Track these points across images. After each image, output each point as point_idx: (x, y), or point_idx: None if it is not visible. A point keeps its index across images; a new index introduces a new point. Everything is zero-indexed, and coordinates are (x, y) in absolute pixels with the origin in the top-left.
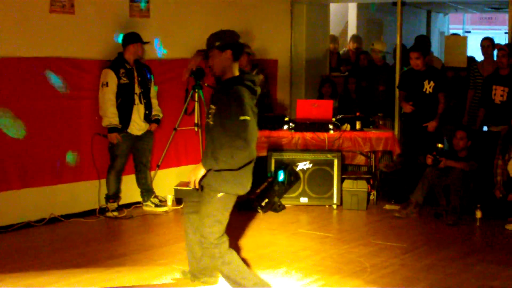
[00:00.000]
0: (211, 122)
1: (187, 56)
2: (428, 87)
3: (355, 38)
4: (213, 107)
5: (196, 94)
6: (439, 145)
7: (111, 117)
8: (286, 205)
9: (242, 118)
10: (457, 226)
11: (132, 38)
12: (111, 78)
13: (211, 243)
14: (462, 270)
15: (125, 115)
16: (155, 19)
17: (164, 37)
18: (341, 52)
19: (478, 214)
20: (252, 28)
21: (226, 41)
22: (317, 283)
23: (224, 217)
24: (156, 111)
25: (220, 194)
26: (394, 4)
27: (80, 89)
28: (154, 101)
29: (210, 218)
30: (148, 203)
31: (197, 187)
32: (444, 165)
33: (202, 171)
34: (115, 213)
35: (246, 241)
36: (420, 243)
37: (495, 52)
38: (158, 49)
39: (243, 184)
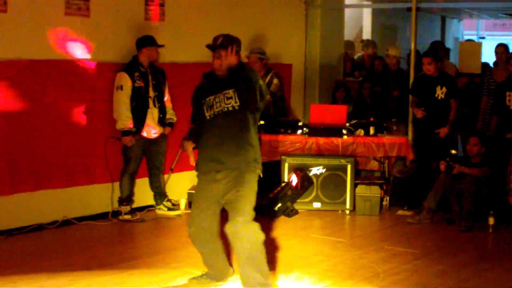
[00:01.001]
0: (230, 108)
1: (201, 60)
2: (440, 92)
3: (370, 43)
4: (228, 91)
5: None
6: (453, 151)
7: (125, 120)
8: (299, 210)
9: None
10: (470, 233)
11: (147, 41)
12: (125, 81)
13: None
14: (475, 277)
15: (139, 118)
16: (170, 22)
17: (178, 41)
18: (355, 57)
19: (491, 220)
20: (266, 32)
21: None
22: None
23: None
24: (170, 114)
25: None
26: (409, 10)
27: (94, 92)
28: (169, 105)
29: (252, 195)
30: (161, 206)
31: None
32: (457, 171)
33: None
34: (128, 216)
35: None
36: (432, 249)
37: None
38: None
39: None
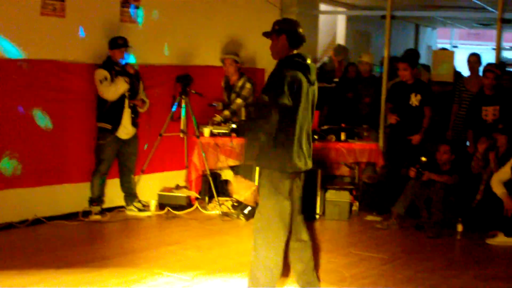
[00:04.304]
0: None
1: (175, 63)
2: (414, 100)
3: (342, 48)
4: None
5: (183, 101)
6: (423, 158)
7: (120, 85)
8: None
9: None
10: (438, 239)
11: (115, 44)
12: (107, 74)
13: None
14: (442, 283)
15: (115, 118)
16: (145, 24)
17: (152, 43)
18: (326, 61)
19: (459, 227)
20: (240, 37)
21: (282, 26)
22: None
23: None
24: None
25: None
26: (383, 17)
27: (67, 92)
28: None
29: None
30: (131, 207)
31: None
32: (426, 178)
33: None
34: (98, 217)
35: (228, 248)
36: (400, 255)
37: (481, 68)
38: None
39: None
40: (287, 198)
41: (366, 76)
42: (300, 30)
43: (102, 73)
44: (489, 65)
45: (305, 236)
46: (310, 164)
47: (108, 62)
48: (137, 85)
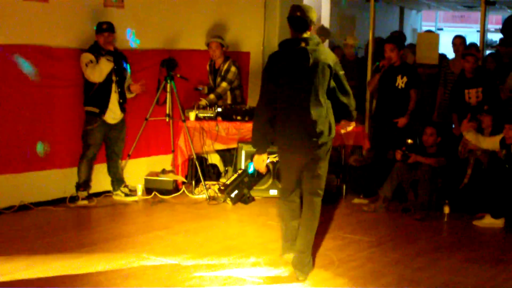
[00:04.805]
0: None
1: (160, 47)
2: (400, 82)
3: (325, 30)
4: None
5: (168, 85)
6: (409, 141)
7: (103, 65)
8: (255, 197)
9: None
10: (425, 222)
11: (99, 28)
12: (93, 58)
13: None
14: (429, 265)
15: (102, 102)
16: (129, 9)
17: (137, 27)
18: None
19: (446, 209)
20: (225, 20)
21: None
22: (285, 274)
23: None
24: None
25: None
26: (367, 0)
27: (51, 77)
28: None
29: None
30: (118, 192)
31: None
32: (413, 161)
33: None
34: (85, 202)
35: (215, 232)
36: (387, 238)
37: None
38: (131, 40)
39: None
40: None
41: (351, 59)
42: (298, 13)
43: (87, 56)
44: (468, 48)
45: None
46: None
47: (95, 47)
48: (124, 69)
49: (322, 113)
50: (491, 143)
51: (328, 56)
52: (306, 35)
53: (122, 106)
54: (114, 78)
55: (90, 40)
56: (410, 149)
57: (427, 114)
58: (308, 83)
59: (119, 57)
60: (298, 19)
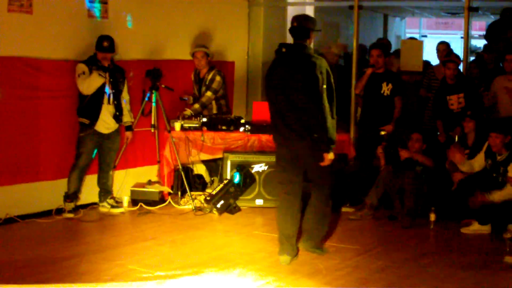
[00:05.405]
0: None
1: (145, 58)
2: (386, 89)
3: None
4: None
5: (153, 96)
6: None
7: (93, 79)
8: (241, 207)
9: None
10: (411, 229)
11: (99, 45)
12: (86, 69)
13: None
14: (416, 272)
15: (93, 113)
16: (114, 19)
17: (122, 38)
18: None
19: (432, 217)
20: (210, 30)
21: None
22: (272, 284)
23: None
24: (129, 117)
25: None
26: (351, 7)
27: (37, 89)
28: (126, 106)
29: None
30: (104, 204)
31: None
32: (408, 156)
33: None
34: (71, 215)
35: (202, 243)
36: (374, 245)
37: None
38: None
39: None
40: None
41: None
42: (295, 24)
43: (81, 67)
44: (448, 55)
45: None
46: None
47: (92, 59)
48: (121, 84)
49: (317, 114)
50: (480, 160)
51: (322, 62)
52: (306, 43)
53: (119, 118)
54: (110, 91)
55: (76, 51)
56: (390, 144)
57: (414, 120)
58: (303, 87)
59: (116, 70)
60: (295, 28)
